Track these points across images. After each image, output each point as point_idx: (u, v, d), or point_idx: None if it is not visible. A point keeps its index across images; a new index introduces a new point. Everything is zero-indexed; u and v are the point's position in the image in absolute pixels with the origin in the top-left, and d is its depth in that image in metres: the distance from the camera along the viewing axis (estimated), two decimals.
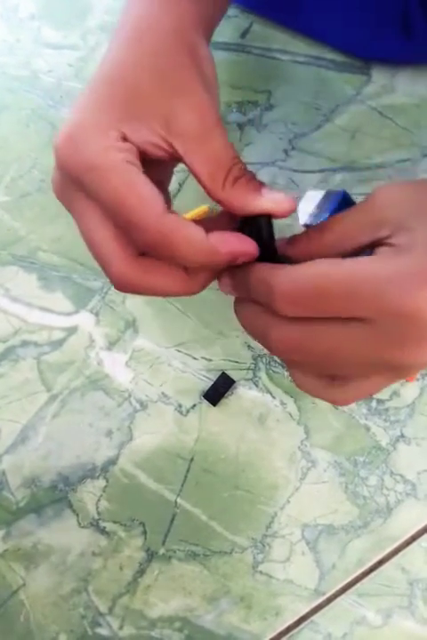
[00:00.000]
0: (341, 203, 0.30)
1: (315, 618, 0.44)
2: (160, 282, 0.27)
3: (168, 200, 0.33)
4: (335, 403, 0.28)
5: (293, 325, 0.25)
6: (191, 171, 0.28)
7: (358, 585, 0.44)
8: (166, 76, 0.27)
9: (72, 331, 0.47)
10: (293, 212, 0.27)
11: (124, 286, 0.28)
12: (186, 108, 0.27)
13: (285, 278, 0.24)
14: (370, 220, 0.26)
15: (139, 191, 0.25)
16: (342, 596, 0.44)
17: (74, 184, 0.26)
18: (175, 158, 0.28)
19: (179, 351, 0.46)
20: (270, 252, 0.28)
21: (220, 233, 0.26)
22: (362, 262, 0.23)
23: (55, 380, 0.47)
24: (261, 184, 0.28)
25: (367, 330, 0.23)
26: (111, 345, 0.47)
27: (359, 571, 0.44)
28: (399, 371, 0.24)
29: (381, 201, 0.26)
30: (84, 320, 0.47)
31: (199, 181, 0.28)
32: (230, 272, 0.29)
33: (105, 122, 0.26)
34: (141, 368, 0.46)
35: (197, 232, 0.26)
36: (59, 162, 0.26)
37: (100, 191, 0.25)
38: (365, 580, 0.44)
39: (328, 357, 0.25)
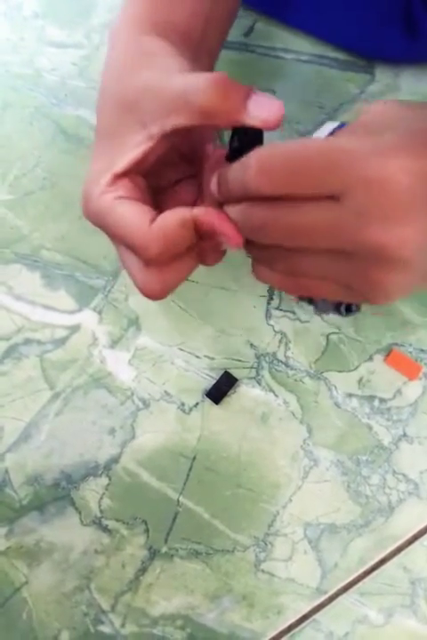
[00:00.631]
0: None
1: (317, 616, 0.44)
2: (179, 274, 0.29)
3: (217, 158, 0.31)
4: (291, 293, 0.29)
5: (267, 204, 0.25)
6: (179, 127, 0.28)
7: (360, 584, 0.44)
8: (125, 98, 0.29)
9: (75, 329, 0.47)
10: (279, 121, 0.26)
11: (156, 296, 0.30)
12: (147, 99, 0.28)
13: (261, 152, 0.24)
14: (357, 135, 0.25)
15: (126, 220, 0.28)
16: (344, 595, 0.44)
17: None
18: (168, 141, 0.29)
19: (182, 349, 0.46)
20: None
21: (208, 211, 0.27)
22: (338, 139, 0.24)
23: (58, 378, 0.47)
24: (248, 93, 0.26)
25: (338, 208, 0.23)
26: (114, 343, 0.47)
27: (361, 570, 0.44)
28: (369, 259, 0.24)
29: (367, 117, 0.26)
30: (87, 318, 0.47)
31: (188, 126, 0.28)
32: (217, 174, 0.29)
33: (98, 171, 0.29)
34: (144, 366, 0.46)
35: (184, 218, 0.27)
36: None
37: (105, 231, 0.29)
38: (366, 579, 0.44)
39: (298, 239, 0.25)
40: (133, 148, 0.29)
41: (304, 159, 0.23)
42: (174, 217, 0.27)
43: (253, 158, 0.24)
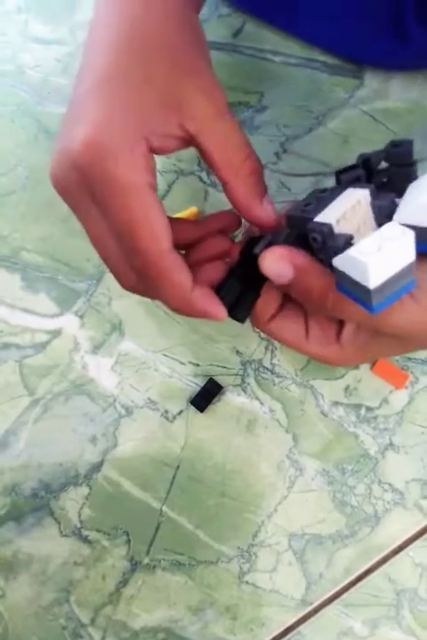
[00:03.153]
0: None
1: (301, 628, 0.43)
2: (159, 297, 0.29)
3: None
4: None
5: None
6: (204, 153, 0.27)
7: (345, 595, 0.43)
8: (176, 58, 0.26)
9: (56, 333, 0.46)
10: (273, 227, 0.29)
11: (132, 292, 0.30)
12: (197, 89, 0.26)
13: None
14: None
15: (152, 223, 0.25)
16: (329, 607, 0.43)
17: (84, 187, 0.25)
18: (187, 145, 0.27)
19: (166, 356, 0.45)
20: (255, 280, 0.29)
21: (204, 291, 0.28)
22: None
23: (38, 383, 0.45)
24: (265, 189, 0.29)
25: None
26: (96, 348, 0.46)
27: (346, 581, 0.43)
28: None
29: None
30: (69, 322, 0.46)
31: (212, 164, 0.27)
32: None
33: (132, 129, 0.24)
34: (127, 372, 0.45)
35: (187, 282, 0.27)
36: (78, 165, 0.24)
37: (114, 208, 0.25)
38: (352, 590, 0.43)
39: None
40: (168, 130, 0.25)
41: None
42: (181, 279, 0.27)
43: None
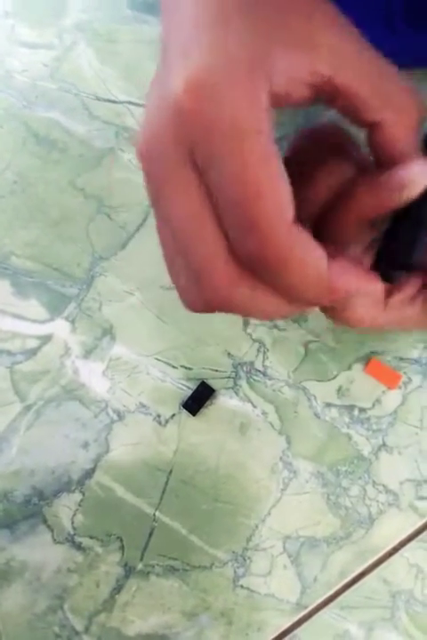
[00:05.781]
0: None
1: (297, 632, 0.43)
2: (266, 303, 0.21)
3: None
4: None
5: None
6: (347, 94, 0.20)
7: (341, 597, 0.43)
8: (313, 5, 0.20)
9: (47, 339, 0.46)
10: None
11: (221, 300, 0.21)
12: (334, 33, 0.19)
13: None
14: None
15: (276, 189, 0.18)
16: (325, 610, 0.43)
17: (184, 146, 0.19)
18: (315, 95, 0.20)
19: (158, 360, 0.45)
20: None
21: (341, 263, 0.20)
22: None
23: (29, 390, 0.45)
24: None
25: None
26: (88, 353, 0.45)
27: (341, 583, 0.43)
28: None
29: None
30: (60, 328, 0.46)
31: (360, 103, 0.20)
32: None
33: (250, 62, 0.18)
34: (119, 377, 0.45)
35: (321, 258, 0.19)
36: (178, 112, 0.19)
37: (225, 164, 0.18)
38: (347, 593, 0.43)
39: None
40: (295, 73, 0.18)
41: None
42: (314, 255, 0.19)
43: None
